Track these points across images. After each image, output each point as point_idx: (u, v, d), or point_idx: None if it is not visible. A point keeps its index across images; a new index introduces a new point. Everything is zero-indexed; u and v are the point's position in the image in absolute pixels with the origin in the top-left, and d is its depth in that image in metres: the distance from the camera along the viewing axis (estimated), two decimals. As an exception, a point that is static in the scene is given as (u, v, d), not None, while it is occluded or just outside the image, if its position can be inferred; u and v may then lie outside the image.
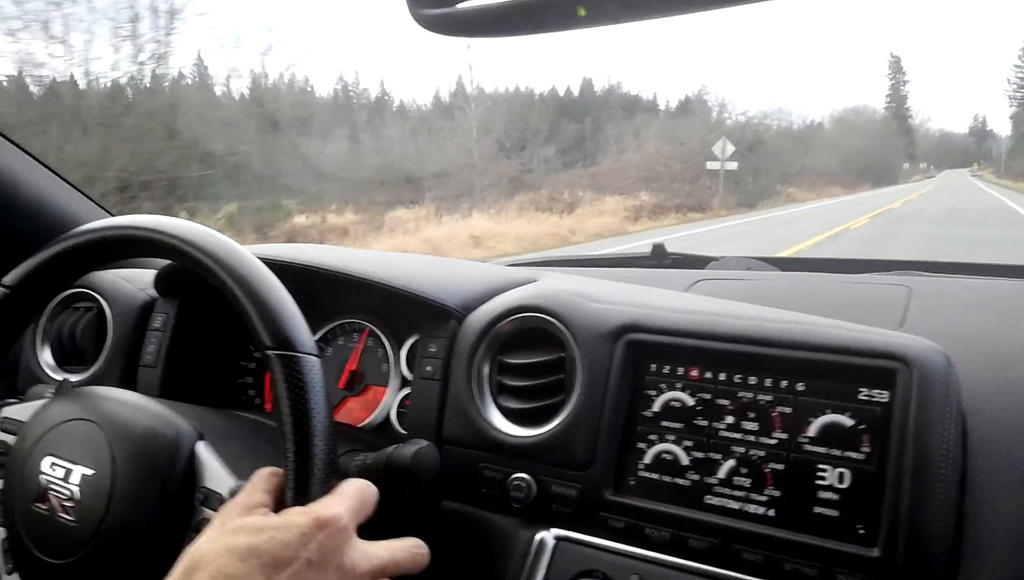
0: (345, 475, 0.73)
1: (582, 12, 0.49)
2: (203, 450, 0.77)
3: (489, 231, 14.47)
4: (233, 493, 0.71)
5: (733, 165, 26.16)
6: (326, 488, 0.68)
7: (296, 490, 0.67)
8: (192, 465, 0.76)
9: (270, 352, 0.70)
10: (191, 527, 0.74)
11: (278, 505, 0.68)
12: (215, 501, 0.74)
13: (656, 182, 27.38)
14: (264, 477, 0.69)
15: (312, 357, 0.71)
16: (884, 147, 68.31)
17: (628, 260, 1.54)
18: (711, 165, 26.13)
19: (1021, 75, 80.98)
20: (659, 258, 1.47)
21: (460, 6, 0.55)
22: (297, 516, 0.64)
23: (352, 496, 0.68)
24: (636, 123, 39.46)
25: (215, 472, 0.76)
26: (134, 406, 0.81)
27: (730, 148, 25.26)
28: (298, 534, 0.62)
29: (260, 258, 0.76)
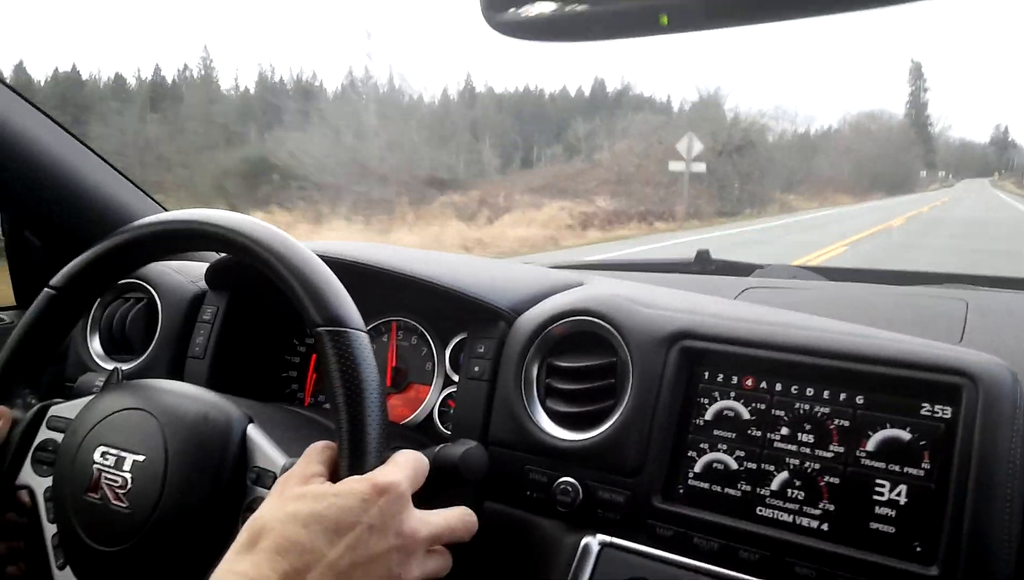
0: None
1: (664, 20, 0.49)
2: (254, 432, 0.79)
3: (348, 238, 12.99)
4: (286, 469, 0.72)
5: (700, 167, 23.14)
6: (380, 458, 0.70)
7: (351, 460, 0.69)
8: (244, 447, 0.78)
9: (320, 329, 0.72)
10: (244, 507, 0.76)
11: (334, 476, 0.69)
12: (268, 479, 0.75)
13: (626, 185, 25.00)
14: (318, 450, 0.71)
15: (362, 332, 0.73)
16: (901, 154, 65.87)
17: (672, 265, 1.53)
18: (674, 166, 22.96)
19: None
20: (703, 264, 1.47)
21: (537, 11, 0.56)
22: (356, 483, 0.65)
23: (407, 465, 0.70)
24: (616, 121, 35.37)
25: (267, 452, 0.77)
26: (184, 394, 0.83)
27: (697, 146, 22.17)
28: (359, 500, 0.64)
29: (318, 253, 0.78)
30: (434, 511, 0.71)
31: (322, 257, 0.78)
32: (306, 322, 0.73)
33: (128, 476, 0.76)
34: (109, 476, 0.77)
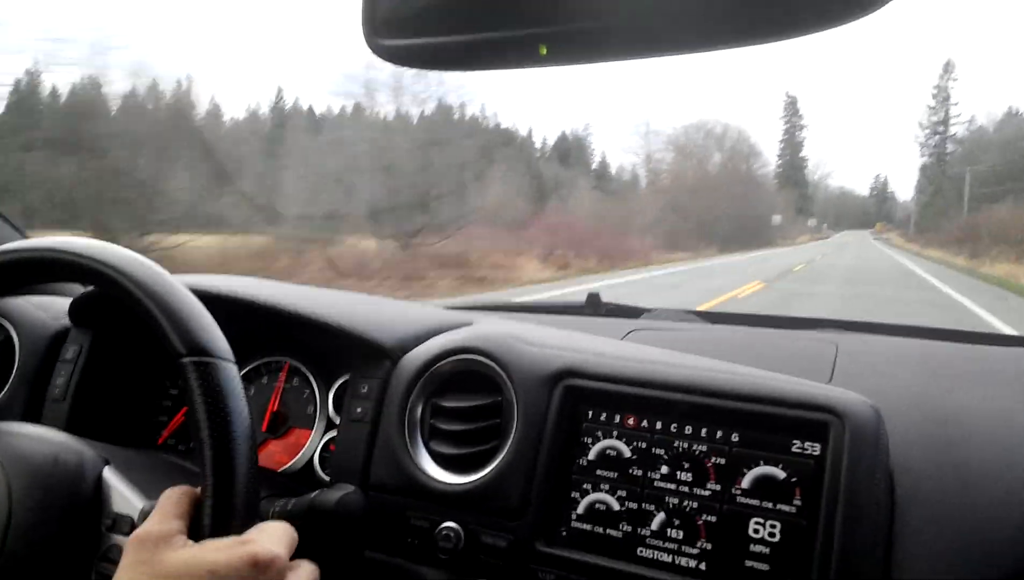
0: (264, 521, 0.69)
1: (543, 51, 0.50)
2: (110, 475, 0.73)
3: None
4: (145, 514, 0.67)
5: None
6: (248, 510, 0.65)
7: (215, 511, 0.64)
8: (99, 491, 0.72)
9: (184, 359, 0.67)
10: (99, 555, 0.70)
11: (194, 531, 0.63)
12: (125, 525, 0.70)
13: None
14: (174, 500, 0.65)
15: (230, 363, 0.69)
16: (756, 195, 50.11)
17: (563, 308, 1.55)
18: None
19: (935, 118, 64.77)
20: (594, 307, 1.49)
21: (420, 39, 0.55)
22: (234, 557, 0.60)
23: (285, 535, 0.66)
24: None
25: (124, 496, 0.71)
26: (32, 436, 0.76)
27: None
28: (239, 575, 0.59)
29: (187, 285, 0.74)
30: (298, 572, 0.65)
31: (194, 291, 0.74)
32: (169, 353, 0.68)
33: None
34: None
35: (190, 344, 0.68)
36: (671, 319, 1.39)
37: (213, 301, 0.80)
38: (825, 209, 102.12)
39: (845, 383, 0.88)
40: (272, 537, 0.64)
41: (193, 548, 0.61)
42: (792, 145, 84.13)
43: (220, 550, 0.61)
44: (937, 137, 65.25)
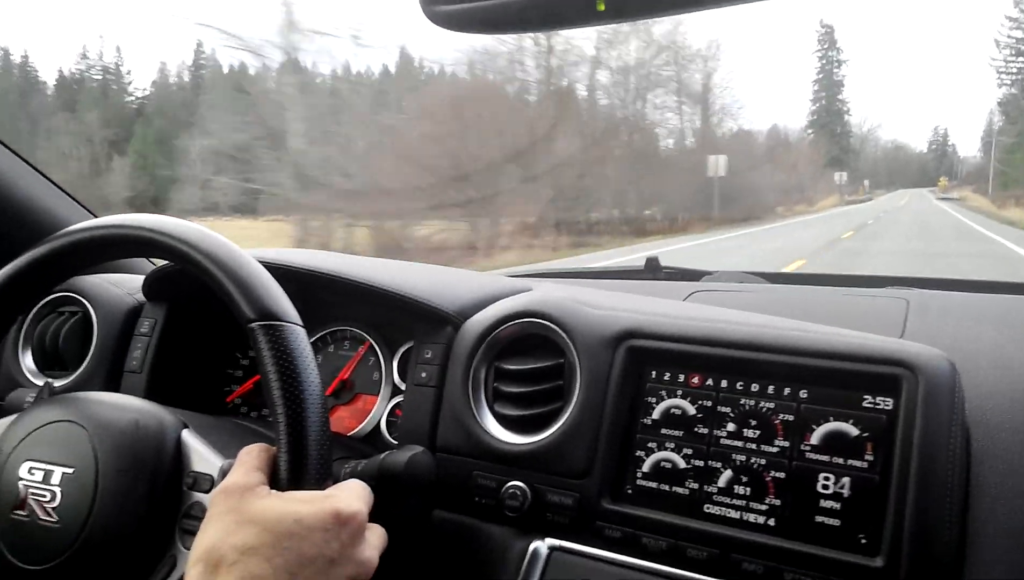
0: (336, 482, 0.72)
1: (601, 6, 0.49)
2: (189, 437, 0.76)
3: None
4: (224, 472, 0.69)
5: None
6: (322, 463, 0.68)
7: (291, 465, 0.66)
8: (179, 452, 0.75)
9: (253, 324, 0.70)
10: (182, 513, 0.73)
11: (272, 481, 0.66)
12: (206, 483, 0.73)
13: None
14: (254, 455, 0.68)
15: (298, 326, 0.71)
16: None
17: (622, 273, 1.54)
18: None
19: (1019, 32, 44.96)
20: (653, 271, 1.48)
21: (477, 2, 0.55)
22: (318, 509, 0.63)
23: (365, 494, 0.69)
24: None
25: (203, 456, 0.74)
26: (114, 404, 0.80)
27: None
28: (321, 531, 0.62)
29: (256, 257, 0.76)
30: (370, 533, 0.69)
31: (266, 264, 0.76)
32: (238, 320, 0.71)
33: (57, 490, 0.72)
34: (36, 491, 0.73)
35: (260, 310, 0.70)
36: (733, 280, 1.37)
37: (279, 272, 0.82)
38: (875, 166, 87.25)
39: (917, 338, 0.86)
40: (352, 494, 0.67)
41: (279, 497, 0.64)
42: (829, 84, 68.47)
43: (305, 502, 0.63)
44: (1022, 59, 46.08)
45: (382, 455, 0.84)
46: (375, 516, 0.71)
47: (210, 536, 0.61)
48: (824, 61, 69.77)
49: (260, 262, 0.76)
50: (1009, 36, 47.09)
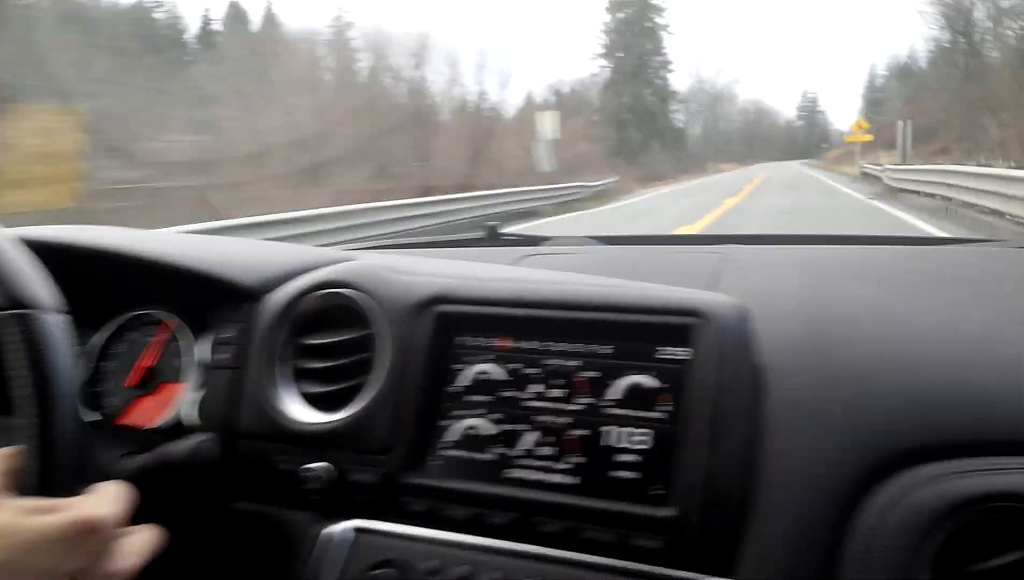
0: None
1: None
2: None
3: None
4: None
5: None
6: (74, 467, 0.61)
7: (41, 469, 0.59)
8: None
9: (1, 313, 0.62)
10: None
11: (17, 488, 0.59)
12: None
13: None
14: None
15: (54, 314, 0.64)
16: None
17: (461, 242, 1.51)
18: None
19: None
20: (493, 240, 1.45)
21: None
22: (55, 519, 0.55)
23: (116, 497, 0.61)
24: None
25: None
26: None
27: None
28: (58, 542, 0.54)
29: (26, 240, 0.67)
30: (130, 539, 0.61)
31: (31, 243, 0.67)
32: None
33: None
34: None
35: (7, 295, 0.62)
36: (570, 245, 1.36)
37: (52, 252, 0.73)
38: (730, 131, 70.76)
39: (726, 290, 0.86)
40: (101, 499, 0.59)
41: (13, 507, 0.56)
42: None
43: (44, 510, 0.56)
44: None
45: (165, 446, 0.77)
46: (155, 514, 0.64)
47: None
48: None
49: (29, 242, 0.67)
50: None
